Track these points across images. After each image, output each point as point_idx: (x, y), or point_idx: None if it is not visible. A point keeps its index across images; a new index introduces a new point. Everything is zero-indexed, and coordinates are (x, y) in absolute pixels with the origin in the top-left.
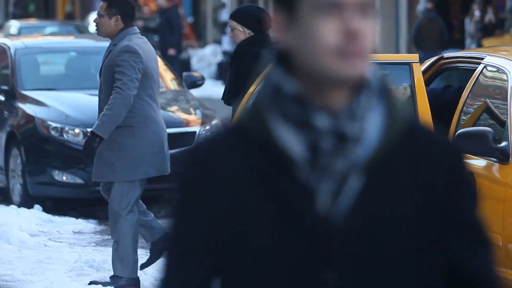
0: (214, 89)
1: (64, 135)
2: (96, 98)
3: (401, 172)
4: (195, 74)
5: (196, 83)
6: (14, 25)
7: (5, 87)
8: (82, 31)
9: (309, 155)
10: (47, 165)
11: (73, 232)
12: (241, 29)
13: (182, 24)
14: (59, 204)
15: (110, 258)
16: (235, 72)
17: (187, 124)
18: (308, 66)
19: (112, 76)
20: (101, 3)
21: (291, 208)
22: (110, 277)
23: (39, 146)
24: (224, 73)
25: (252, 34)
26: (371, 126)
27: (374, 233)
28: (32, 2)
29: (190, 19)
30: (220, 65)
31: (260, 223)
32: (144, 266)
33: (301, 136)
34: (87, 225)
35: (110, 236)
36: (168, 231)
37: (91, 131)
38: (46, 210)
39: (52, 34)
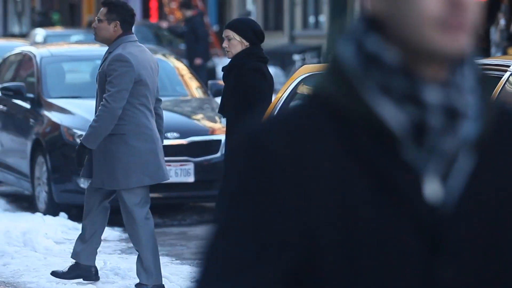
0: None
1: None
2: None
3: (509, 150)
4: (220, 82)
5: (221, 91)
6: (40, 33)
7: (30, 95)
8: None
9: (415, 133)
10: (72, 173)
11: None
12: (239, 40)
13: (207, 33)
14: None
15: (135, 265)
16: (233, 84)
17: (212, 132)
18: (406, 37)
19: (104, 84)
20: (101, 8)
21: (399, 194)
22: (136, 285)
23: (64, 154)
24: None
25: (248, 46)
26: (473, 102)
27: (490, 221)
28: (56, 11)
29: (215, 28)
30: None
31: (366, 212)
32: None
33: (405, 111)
34: (112, 233)
35: None
36: (220, 230)
37: (80, 142)
38: (72, 217)
39: (78, 42)
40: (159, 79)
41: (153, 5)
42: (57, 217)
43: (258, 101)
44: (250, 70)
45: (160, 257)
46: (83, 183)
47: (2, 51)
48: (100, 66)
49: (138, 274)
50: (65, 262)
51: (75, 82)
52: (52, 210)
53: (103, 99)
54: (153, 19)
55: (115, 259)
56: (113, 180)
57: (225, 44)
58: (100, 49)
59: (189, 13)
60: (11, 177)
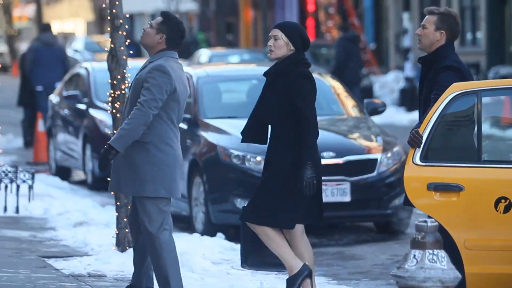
0: (396, 116)
1: (246, 163)
2: None
3: None
4: (376, 101)
5: (377, 110)
6: (204, 53)
7: (187, 116)
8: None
9: None
10: (229, 193)
11: None
12: (285, 42)
13: (358, 53)
14: None
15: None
16: (280, 90)
17: (368, 151)
18: None
19: (139, 91)
20: (158, 17)
21: None
22: None
23: (221, 174)
24: (407, 100)
25: (293, 51)
26: None
27: None
28: (201, 31)
29: (372, 46)
30: (402, 92)
31: None
32: None
33: None
34: None
35: None
36: None
37: (108, 143)
38: (229, 238)
39: (242, 62)
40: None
41: (310, 23)
42: (214, 238)
43: (305, 107)
44: (299, 77)
45: (317, 277)
46: (240, 204)
47: None
48: (138, 73)
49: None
50: (222, 283)
51: (231, 102)
52: (210, 230)
53: (137, 104)
54: (310, 38)
55: (272, 279)
56: (129, 186)
57: (270, 43)
58: (255, 69)
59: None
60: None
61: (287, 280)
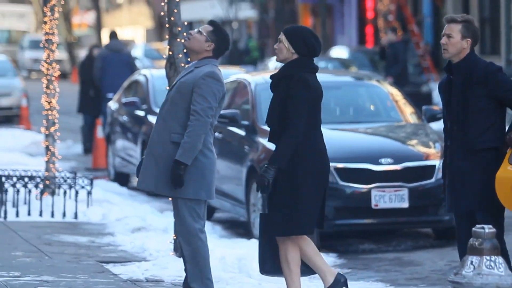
0: None
1: None
2: (341, 133)
3: None
4: (435, 107)
5: (435, 116)
6: (273, 60)
7: (245, 122)
8: (348, 65)
9: None
10: None
11: None
12: (286, 46)
13: (406, 58)
14: None
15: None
16: (282, 94)
17: (426, 157)
18: None
19: (187, 93)
20: (206, 25)
21: None
22: None
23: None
24: None
25: (296, 55)
26: None
27: None
28: (251, 38)
29: (431, 52)
30: None
31: None
32: None
33: None
34: (327, 259)
35: (349, 270)
36: None
37: (175, 160)
38: None
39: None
40: (373, 104)
41: (369, 31)
42: None
43: (294, 110)
44: (295, 81)
45: (374, 283)
46: None
47: None
48: (183, 76)
49: (190, 286)
50: None
51: None
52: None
53: (195, 113)
54: (369, 45)
55: None
56: (170, 188)
57: (275, 46)
58: (339, 78)
59: (392, 37)
60: (227, 203)
61: None
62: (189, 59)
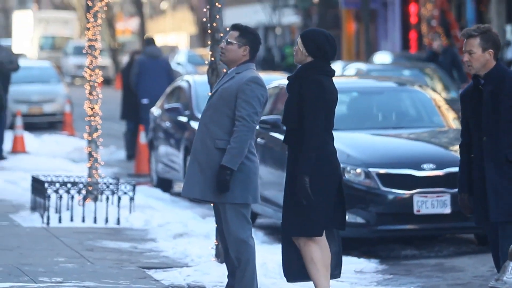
0: None
1: (346, 175)
2: (384, 139)
3: None
4: None
5: None
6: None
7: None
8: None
9: None
10: None
11: (355, 271)
12: (300, 49)
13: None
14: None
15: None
16: (297, 95)
17: None
18: None
19: (230, 99)
20: (231, 31)
21: None
22: None
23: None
24: None
25: (310, 58)
26: None
27: None
28: (288, 45)
29: None
30: None
31: None
32: None
33: None
34: (369, 265)
35: (391, 276)
36: None
37: (221, 165)
38: None
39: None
40: (415, 110)
41: (413, 36)
42: None
43: (311, 112)
44: (310, 82)
45: None
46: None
47: None
48: (225, 82)
49: None
50: None
51: None
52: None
53: (241, 118)
54: (413, 50)
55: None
56: (217, 193)
57: (294, 48)
58: (356, 81)
59: (437, 43)
60: (269, 209)
61: None
62: (225, 70)
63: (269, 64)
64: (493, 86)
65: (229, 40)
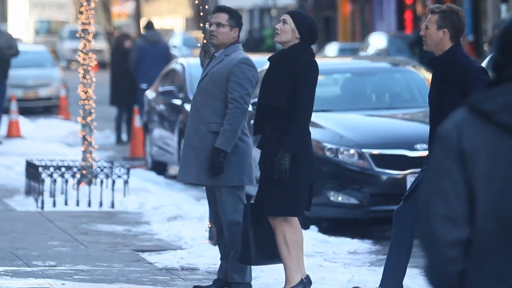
0: None
1: (339, 156)
2: (377, 120)
3: None
4: None
5: None
6: (332, 47)
7: None
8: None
9: None
10: (322, 186)
11: (348, 252)
12: (292, 28)
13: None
14: (334, 225)
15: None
16: (285, 75)
17: None
18: None
19: (221, 82)
20: (219, 13)
21: None
22: (229, 285)
23: (315, 167)
24: None
25: (297, 40)
26: None
27: None
28: (267, 27)
29: (470, 38)
30: None
31: None
32: None
33: None
34: (362, 245)
35: (385, 256)
36: None
37: (215, 147)
38: (322, 230)
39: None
40: (409, 90)
41: (408, 16)
42: (307, 230)
43: (307, 95)
44: (306, 64)
45: (409, 269)
46: (333, 196)
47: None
48: (214, 66)
49: (230, 274)
50: (314, 275)
51: (325, 95)
52: (303, 223)
53: (234, 100)
54: (408, 31)
55: (364, 272)
56: (212, 177)
57: (278, 26)
58: (350, 62)
59: None
60: None
61: None
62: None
63: (251, 46)
64: (441, 71)
65: (222, 22)
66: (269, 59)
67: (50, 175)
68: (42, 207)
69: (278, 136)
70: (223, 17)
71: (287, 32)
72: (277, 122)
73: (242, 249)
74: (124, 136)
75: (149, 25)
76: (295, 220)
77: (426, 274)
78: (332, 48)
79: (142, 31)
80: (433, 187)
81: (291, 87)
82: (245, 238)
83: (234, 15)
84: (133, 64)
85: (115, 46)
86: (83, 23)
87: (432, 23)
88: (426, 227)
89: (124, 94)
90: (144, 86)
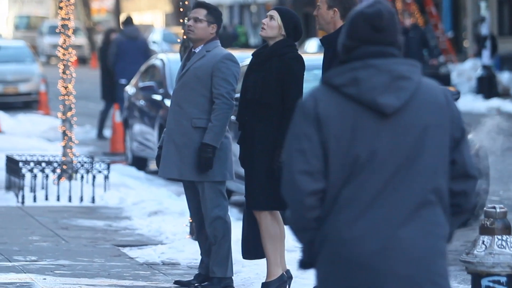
0: (474, 104)
1: None
2: None
3: None
4: (450, 88)
5: (452, 97)
6: (312, 43)
7: None
8: None
9: None
10: None
11: None
12: (279, 24)
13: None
14: None
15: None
16: (274, 71)
17: None
18: None
19: (205, 78)
20: (197, 9)
21: None
22: (209, 280)
23: None
24: (485, 88)
25: (282, 36)
26: None
27: None
28: (240, 24)
29: (450, 34)
30: (480, 80)
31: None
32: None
33: None
34: None
35: None
36: None
37: (204, 143)
38: None
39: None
40: None
41: None
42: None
43: (295, 90)
44: (293, 59)
45: None
46: None
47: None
48: (195, 62)
49: (211, 269)
50: (294, 270)
51: (305, 91)
52: (284, 218)
53: (221, 96)
54: None
55: None
56: (195, 172)
57: (265, 21)
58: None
59: (408, 21)
60: (243, 186)
61: (262, 284)
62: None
63: (223, 42)
64: (332, 48)
65: (199, 17)
66: (253, 54)
67: (31, 170)
68: (23, 202)
69: (261, 131)
70: (201, 13)
71: (273, 28)
72: (261, 117)
73: (242, 245)
74: (107, 132)
75: (128, 21)
76: (278, 214)
77: (289, 221)
78: (312, 44)
79: (121, 26)
80: (295, 147)
81: (279, 82)
82: (244, 234)
83: (213, 11)
84: (111, 59)
85: (104, 40)
86: (63, 19)
87: (323, 3)
88: (289, 181)
89: (110, 90)
90: (123, 81)
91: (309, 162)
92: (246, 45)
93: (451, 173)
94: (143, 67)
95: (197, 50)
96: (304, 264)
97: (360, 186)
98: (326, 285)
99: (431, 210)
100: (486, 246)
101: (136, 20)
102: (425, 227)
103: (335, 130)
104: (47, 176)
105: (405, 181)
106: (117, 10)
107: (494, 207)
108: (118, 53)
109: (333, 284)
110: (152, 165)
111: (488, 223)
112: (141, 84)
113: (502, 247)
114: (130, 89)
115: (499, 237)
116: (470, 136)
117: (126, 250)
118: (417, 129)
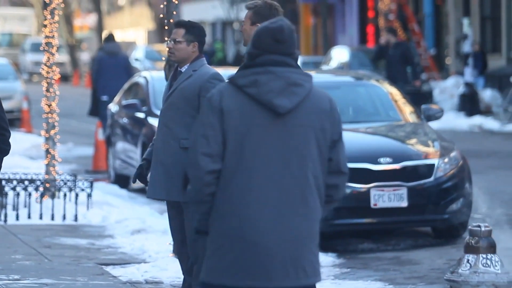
0: (456, 121)
1: None
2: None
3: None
4: (433, 106)
5: (434, 115)
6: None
7: None
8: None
9: None
10: None
11: None
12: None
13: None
14: None
15: None
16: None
17: (425, 156)
18: None
19: (192, 98)
20: (176, 29)
21: None
22: None
23: None
24: (467, 105)
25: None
26: None
27: None
28: (218, 40)
29: (432, 51)
30: (462, 97)
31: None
32: None
33: None
34: (326, 259)
35: (349, 270)
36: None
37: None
38: None
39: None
40: (372, 104)
41: (370, 30)
42: None
43: None
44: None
45: (373, 282)
46: None
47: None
48: (182, 82)
49: None
50: None
51: None
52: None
53: None
54: (370, 44)
55: (328, 285)
56: (184, 193)
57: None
58: (313, 76)
59: (392, 38)
60: None
61: None
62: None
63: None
64: None
65: (177, 39)
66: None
67: (13, 188)
68: (5, 221)
69: None
70: (179, 33)
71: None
72: None
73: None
74: (89, 150)
75: (110, 37)
76: None
77: (188, 194)
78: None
79: (102, 43)
80: (200, 133)
81: None
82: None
83: (191, 29)
84: (93, 76)
85: (93, 58)
86: (47, 36)
87: (247, 19)
88: (193, 160)
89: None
90: (104, 98)
91: (211, 146)
92: (223, 62)
93: (327, 169)
94: (126, 85)
95: (183, 69)
96: (199, 232)
97: (250, 172)
98: (217, 254)
99: (311, 197)
100: (471, 264)
101: (119, 37)
102: (305, 211)
103: (234, 122)
104: (29, 194)
105: (291, 171)
106: (99, 27)
107: (479, 226)
108: (99, 70)
109: (223, 255)
110: (135, 183)
111: (473, 241)
112: (124, 102)
113: (486, 265)
114: (113, 107)
115: (484, 255)
116: (454, 153)
117: (109, 269)
118: (304, 129)
